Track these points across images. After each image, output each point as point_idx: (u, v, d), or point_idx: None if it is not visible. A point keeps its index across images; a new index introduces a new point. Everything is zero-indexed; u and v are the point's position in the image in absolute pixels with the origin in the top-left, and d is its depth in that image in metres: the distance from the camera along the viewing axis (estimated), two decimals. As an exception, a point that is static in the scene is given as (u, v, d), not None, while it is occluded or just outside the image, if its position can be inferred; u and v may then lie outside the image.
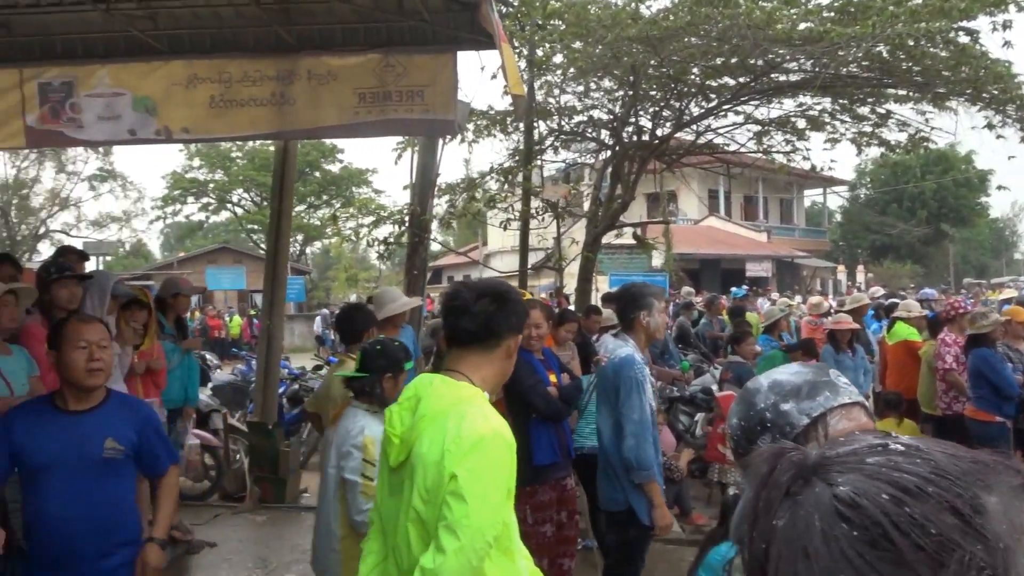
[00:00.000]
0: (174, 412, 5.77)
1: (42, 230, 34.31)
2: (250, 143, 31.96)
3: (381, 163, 72.63)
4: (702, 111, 10.05)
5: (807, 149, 10.50)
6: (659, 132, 10.19)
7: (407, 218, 8.91)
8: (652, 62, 8.55)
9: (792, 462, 0.68)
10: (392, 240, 9.14)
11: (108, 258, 32.82)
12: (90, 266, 7.39)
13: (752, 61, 8.42)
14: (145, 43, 7.01)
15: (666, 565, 5.33)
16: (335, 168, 38.27)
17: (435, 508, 1.86)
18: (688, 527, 6.19)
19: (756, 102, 9.84)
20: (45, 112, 7.41)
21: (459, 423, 1.89)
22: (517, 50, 9.28)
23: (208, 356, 12.91)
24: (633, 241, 12.23)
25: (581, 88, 10.12)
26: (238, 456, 7.48)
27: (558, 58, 9.27)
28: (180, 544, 5.73)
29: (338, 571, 3.25)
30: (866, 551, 0.59)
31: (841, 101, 9.51)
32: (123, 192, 40.68)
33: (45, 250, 31.65)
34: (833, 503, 0.62)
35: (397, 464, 2.02)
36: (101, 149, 30.28)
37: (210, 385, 9.07)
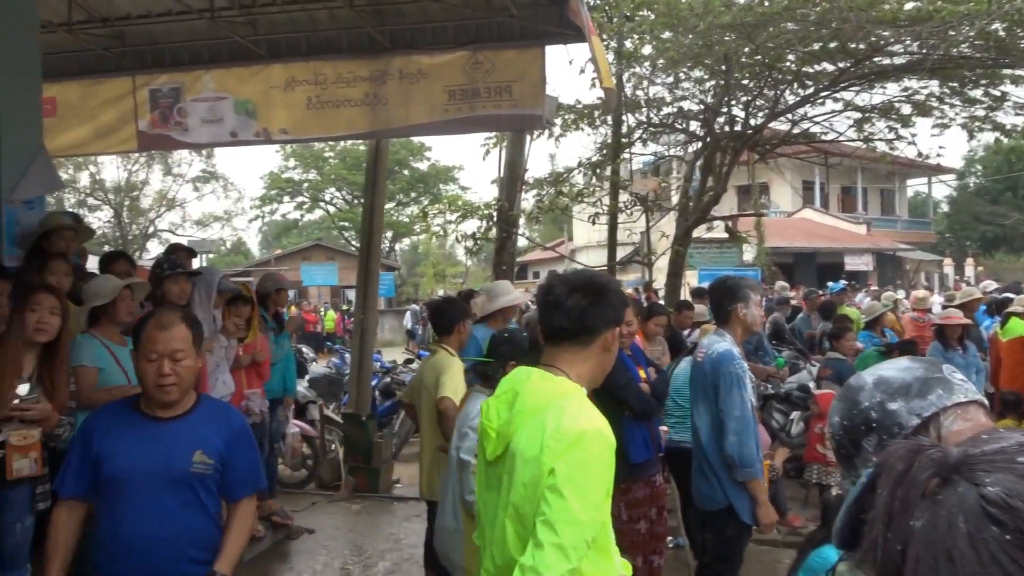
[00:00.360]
0: (275, 402, 5.99)
1: (151, 229, 36.25)
2: (342, 143, 32.89)
3: (467, 160, 73.57)
4: (798, 99, 9.72)
5: (912, 136, 10.00)
6: (752, 122, 9.91)
7: (495, 213, 8.99)
8: (746, 50, 8.32)
9: (931, 460, 0.64)
10: (480, 235, 9.22)
11: (211, 255, 34.36)
12: (196, 263, 7.76)
13: (853, 45, 8.08)
14: (246, 48, 7.30)
15: (760, 567, 5.19)
16: (423, 166, 38.94)
17: (532, 504, 1.83)
18: (784, 529, 6.00)
19: (857, 88, 9.44)
20: (155, 117, 7.83)
21: (559, 418, 1.85)
22: (605, 43, 9.20)
23: (304, 349, 13.34)
24: (723, 235, 11.96)
25: (671, 79, 9.95)
26: (333, 446, 7.71)
27: (647, 49, 9.13)
28: (280, 529, 5.96)
29: (459, 550, 3.30)
30: (1021, 557, 0.55)
31: (951, 84, 9.01)
32: (224, 192, 42.67)
33: (154, 248, 33.48)
34: (980, 504, 0.58)
35: (494, 458, 2.01)
36: (204, 151, 31.73)
37: (307, 377, 9.36)
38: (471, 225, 9.33)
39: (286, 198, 38.69)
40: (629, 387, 4.07)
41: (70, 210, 6.43)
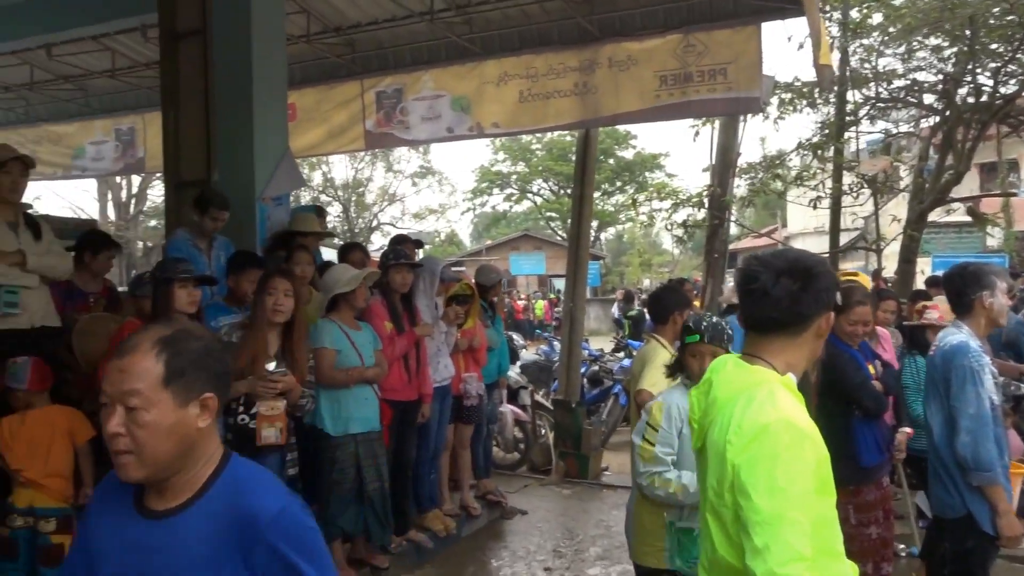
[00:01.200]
0: (490, 386, 6.24)
1: (374, 223, 39.06)
2: (549, 134, 33.50)
3: (673, 147, 72.01)
4: (1060, 62, 8.52)
5: None
6: (1002, 91, 8.82)
7: (706, 200, 8.73)
8: (995, 10, 7.42)
9: None
10: (691, 223, 8.99)
11: (427, 247, 36.48)
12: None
13: None
14: (462, 47, 7.65)
15: (1013, 588, 4.64)
16: (628, 154, 38.68)
17: (723, 501, 1.76)
18: (1042, 547, 5.32)
19: None
20: (380, 117, 8.44)
21: (744, 410, 1.74)
22: (828, 15, 8.60)
23: (515, 336, 13.77)
24: (963, 219, 10.78)
25: (903, 49, 9.11)
26: (543, 431, 7.90)
27: (877, 18, 8.41)
28: (495, 508, 6.21)
29: (633, 532, 3.29)
30: None
31: None
32: (439, 186, 45.03)
33: (377, 240, 36.06)
34: None
35: (697, 450, 1.97)
36: (421, 148, 33.61)
37: (518, 364, 9.65)
38: (682, 213, 9.13)
39: (496, 190, 40.05)
40: (865, 387, 3.78)
41: (316, 204, 7.14)
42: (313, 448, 4.32)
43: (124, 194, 27.47)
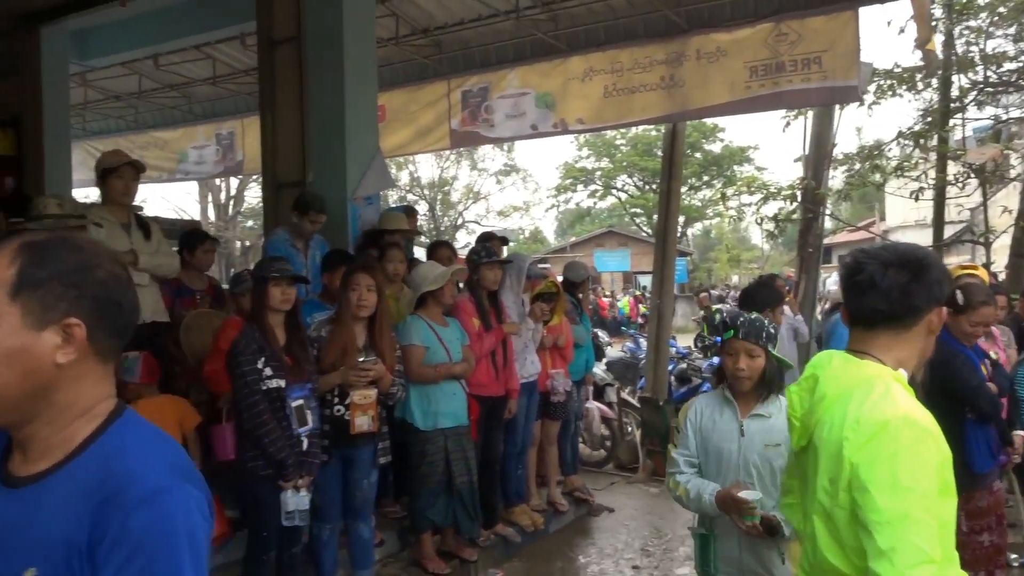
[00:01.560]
0: (576, 383, 6.22)
1: (459, 221, 39.57)
2: (633, 129, 33.13)
3: (762, 139, 70.04)
4: None
5: None
6: None
7: (799, 193, 8.46)
8: (1119, -16, 6.91)
9: None
10: (783, 217, 8.73)
11: (511, 244, 36.64)
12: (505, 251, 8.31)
13: None
14: (548, 44, 7.66)
15: None
16: (716, 148, 37.88)
17: (837, 502, 1.69)
18: None
19: None
20: (465, 116, 8.54)
21: (860, 406, 1.67)
22: (931, -4, 8.19)
23: (600, 334, 13.69)
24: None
25: (1014, 29, 8.58)
26: (630, 429, 7.83)
27: (985, -3, 7.97)
28: (582, 505, 6.20)
29: None
30: None
31: None
32: (523, 184, 45.17)
33: (462, 238, 36.51)
34: None
35: (799, 448, 1.90)
36: (505, 145, 33.83)
37: (603, 361, 9.59)
38: (773, 207, 8.87)
39: (580, 187, 39.91)
40: (981, 389, 3.60)
41: (406, 204, 7.30)
42: (403, 442, 4.42)
43: (223, 196, 28.74)
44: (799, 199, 8.12)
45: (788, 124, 9.40)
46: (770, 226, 8.97)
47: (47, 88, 7.21)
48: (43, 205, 3.39)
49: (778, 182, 9.43)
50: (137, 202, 4.53)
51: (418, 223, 7.57)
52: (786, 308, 5.91)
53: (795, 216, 8.38)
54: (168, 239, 4.79)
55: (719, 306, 17.50)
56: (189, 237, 5.13)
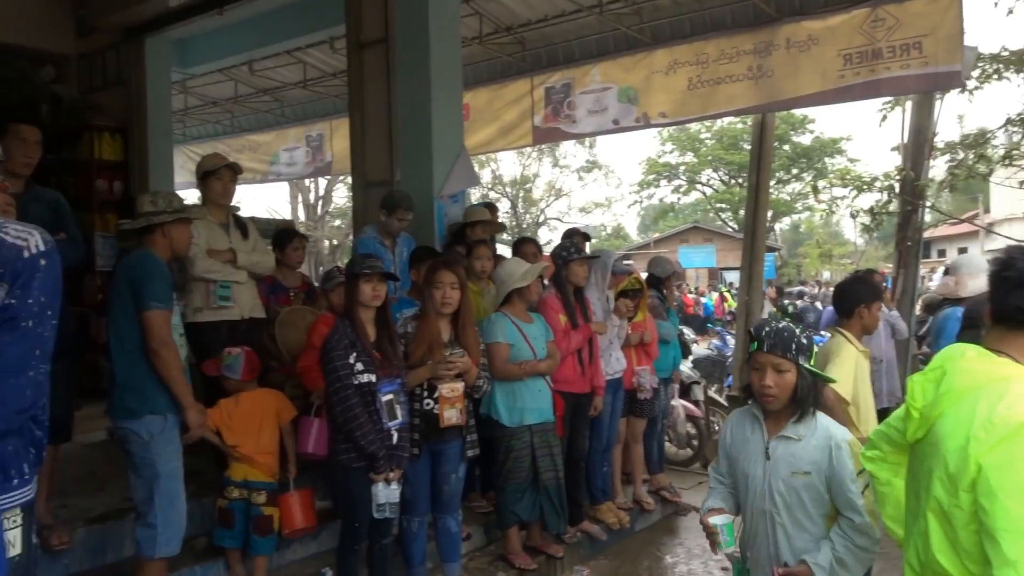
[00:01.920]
0: (663, 380, 6.14)
1: (541, 218, 39.62)
2: (718, 123, 32.45)
3: (855, 129, 67.41)
4: None
5: None
6: None
7: (897, 185, 8.11)
8: None
9: None
10: (879, 210, 8.38)
11: (593, 240, 36.51)
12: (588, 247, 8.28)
13: None
14: (632, 38, 7.58)
15: None
16: (806, 139, 36.69)
17: (956, 501, 1.62)
18: None
19: None
20: (548, 112, 8.55)
21: (994, 404, 1.59)
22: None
23: (685, 331, 13.48)
24: None
25: None
26: (717, 427, 7.68)
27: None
28: (669, 504, 6.11)
29: None
30: None
31: None
32: (605, 180, 44.86)
33: (543, 234, 36.56)
34: None
35: (914, 440, 1.82)
36: (587, 141, 33.69)
37: (690, 358, 9.44)
38: (868, 199, 8.51)
39: (663, 182, 39.36)
40: None
41: (487, 202, 7.37)
42: (489, 438, 4.45)
43: (312, 196, 29.65)
44: (897, 191, 7.78)
45: (885, 118, 9.00)
46: (866, 219, 8.61)
47: (151, 96, 7.60)
48: (139, 204, 3.57)
49: (872, 173, 9.02)
50: (233, 203, 4.71)
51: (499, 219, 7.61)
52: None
53: (892, 208, 8.03)
54: (263, 238, 4.97)
55: (797, 302, 16.93)
56: (280, 235, 5.30)
